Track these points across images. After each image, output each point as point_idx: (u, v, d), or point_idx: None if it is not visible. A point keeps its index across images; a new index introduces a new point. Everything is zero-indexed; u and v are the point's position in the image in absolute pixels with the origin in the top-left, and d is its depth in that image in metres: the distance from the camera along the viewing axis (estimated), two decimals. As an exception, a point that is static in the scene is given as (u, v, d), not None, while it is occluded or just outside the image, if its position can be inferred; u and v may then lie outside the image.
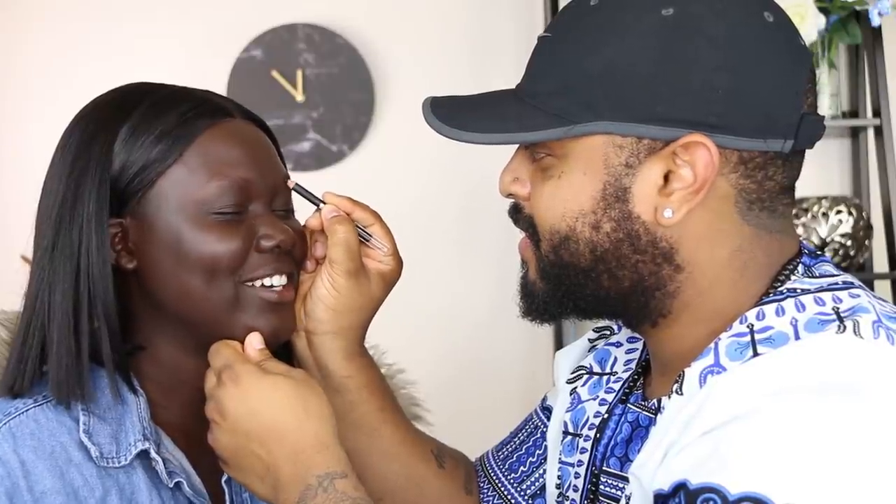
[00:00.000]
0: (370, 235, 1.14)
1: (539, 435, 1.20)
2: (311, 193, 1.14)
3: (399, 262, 1.15)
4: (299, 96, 2.90)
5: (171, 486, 1.05)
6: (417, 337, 2.71)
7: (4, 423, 1.01)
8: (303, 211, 1.16)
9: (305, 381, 1.03)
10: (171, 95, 1.08)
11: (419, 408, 1.38)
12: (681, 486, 0.83)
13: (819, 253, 0.99)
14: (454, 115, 0.98)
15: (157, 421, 1.08)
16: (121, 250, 1.06)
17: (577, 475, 1.07)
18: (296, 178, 1.15)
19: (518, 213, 1.01)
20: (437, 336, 2.89)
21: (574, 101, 0.92)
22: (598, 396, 1.09)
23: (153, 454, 1.04)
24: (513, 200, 1.02)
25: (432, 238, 2.89)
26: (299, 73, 2.90)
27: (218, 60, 2.89)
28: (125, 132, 1.05)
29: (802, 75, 0.94)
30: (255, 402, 1.00)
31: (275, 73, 2.90)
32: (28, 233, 1.10)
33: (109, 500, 1.02)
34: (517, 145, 1.01)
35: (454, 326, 2.92)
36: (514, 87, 1.01)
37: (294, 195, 1.14)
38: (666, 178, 0.92)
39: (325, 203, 1.14)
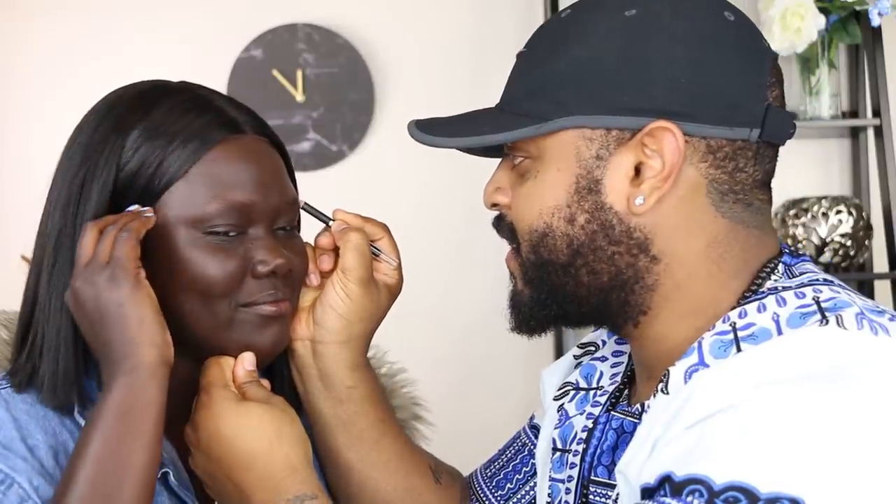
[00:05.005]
0: (379, 250, 1.15)
1: (526, 452, 1.21)
2: (320, 212, 1.14)
3: (402, 276, 1.18)
4: (299, 96, 2.90)
5: (158, 476, 1.05)
6: (418, 336, 2.71)
7: None
8: (307, 224, 1.16)
9: (282, 407, 1.05)
10: (182, 105, 1.06)
11: (420, 407, 1.37)
12: (666, 479, 0.83)
13: (800, 253, 1.01)
14: (434, 127, 1.01)
15: None
16: None
17: (567, 491, 1.06)
18: (296, 178, 1.15)
19: (500, 223, 1.03)
20: (437, 335, 2.89)
21: (544, 100, 0.96)
22: (585, 411, 1.09)
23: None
24: (496, 212, 1.03)
25: (433, 237, 2.89)
26: (299, 73, 2.90)
27: (218, 60, 2.89)
28: (132, 142, 1.04)
29: (765, 68, 0.96)
30: (226, 429, 1.02)
31: (275, 73, 2.90)
32: (28, 232, 1.09)
33: None
34: (500, 159, 1.03)
35: (454, 326, 2.92)
36: (497, 100, 1.03)
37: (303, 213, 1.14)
38: (638, 169, 0.94)
39: (334, 220, 1.14)
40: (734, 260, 0.96)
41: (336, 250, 1.15)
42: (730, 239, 0.96)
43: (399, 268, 1.17)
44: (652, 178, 0.94)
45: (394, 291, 1.17)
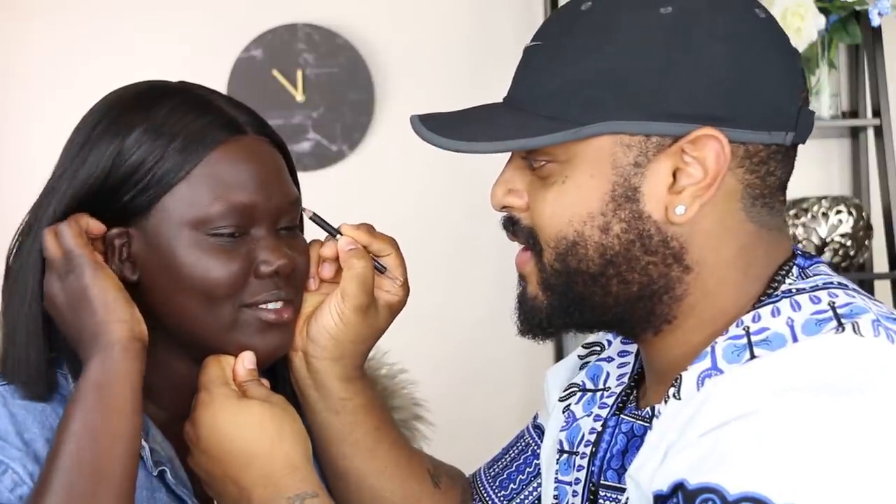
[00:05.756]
0: (384, 268, 1.13)
1: (529, 453, 1.20)
2: (328, 224, 1.13)
3: (407, 291, 1.15)
4: (299, 96, 2.90)
5: (155, 474, 1.05)
6: (418, 337, 2.70)
7: None
8: (310, 223, 1.15)
9: (282, 406, 1.04)
10: (182, 107, 1.06)
11: (420, 408, 1.37)
12: (679, 486, 0.82)
13: (813, 254, 0.99)
14: (449, 127, 0.96)
15: (147, 412, 1.08)
16: (124, 260, 1.05)
17: (574, 493, 1.05)
18: (298, 177, 1.14)
19: (515, 226, 0.99)
20: (438, 336, 2.88)
21: (578, 103, 0.91)
22: (592, 413, 1.07)
23: (142, 441, 1.04)
24: (506, 214, 0.99)
25: (433, 238, 2.88)
26: (299, 73, 2.90)
27: (218, 60, 2.89)
28: (131, 143, 1.04)
29: (797, 68, 0.94)
30: (226, 426, 1.01)
31: (275, 73, 2.90)
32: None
33: None
34: (508, 157, 0.99)
35: (455, 326, 2.91)
36: (498, 100, 0.99)
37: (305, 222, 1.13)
38: (674, 175, 0.91)
39: (341, 234, 1.12)
40: (758, 265, 0.95)
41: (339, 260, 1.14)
42: (756, 244, 0.94)
43: (404, 285, 1.14)
44: (692, 185, 0.91)
45: (395, 309, 1.15)
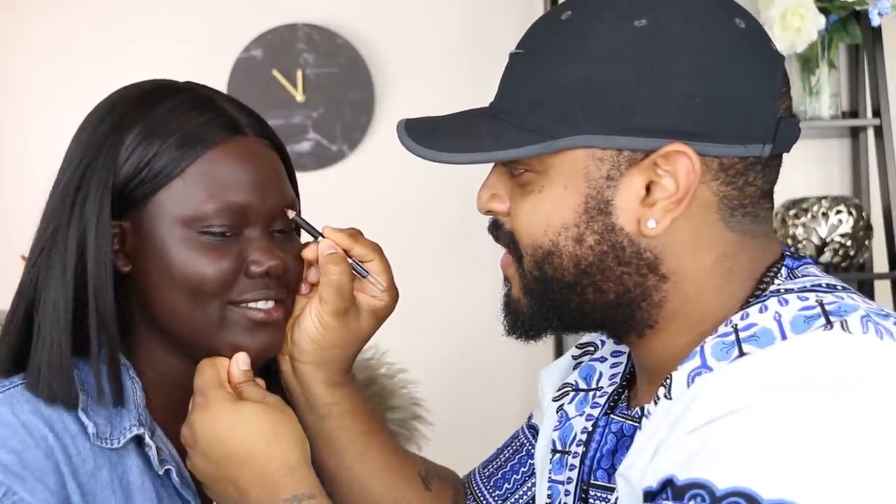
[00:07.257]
0: (367, 272, 1.12)
1: (524, 453, 1.20)
2: (310, 226, 1.12)
3: (394, 296, 1.14)
4: (299, 96, 2.90)
5: (161, 473, 1.05)
6: (418, 337, 2.70)
7: (2, 392, 1.02)
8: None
9: (278, 406, 1.04)
10: (184, 105, 1.06)
11: (420, 407, 1.38)
12: (668, 482, 0.82)
13: (802, 255, 0.99)
14: (430, 135, 0.97)
15: (150, 412, 1.08)
16: (118, 252, 1.06)
17: (566, 493, 1.06)
18: (297, 181, 1.14)
19: (498, 230, 1.00)
20: (437, 335, 2.89)
21: (551, 115, 0.92)
22: (584, 412, 1.08)
23: (147, 440, 1.04)
24: (492, 217, 1.01)
25: (432, 237, 2.89)
26: (299, 73, 2.90)
27: (218, 60, 2.89)
28: (132, 139, 1.04)
29: (777, 79, 0.93)
30: (223, 429, 1.02)
31: (275, 73, 2.90)
32: (28, 232, 1.10)
33: (100, 474, 1.02)
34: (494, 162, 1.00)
35: (455, 326, 2.91)
36: (488, 104, 0.99)
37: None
38: (648, 188, 0.92)
39: (323, 237, 1.11)
40: (741, 271, 0.95)
41: None
42: (738, 252, 0.95)
43: (390, 288, 1.13)
44: (664, 199, 0.91)
45: (381, 315, 1.14)
